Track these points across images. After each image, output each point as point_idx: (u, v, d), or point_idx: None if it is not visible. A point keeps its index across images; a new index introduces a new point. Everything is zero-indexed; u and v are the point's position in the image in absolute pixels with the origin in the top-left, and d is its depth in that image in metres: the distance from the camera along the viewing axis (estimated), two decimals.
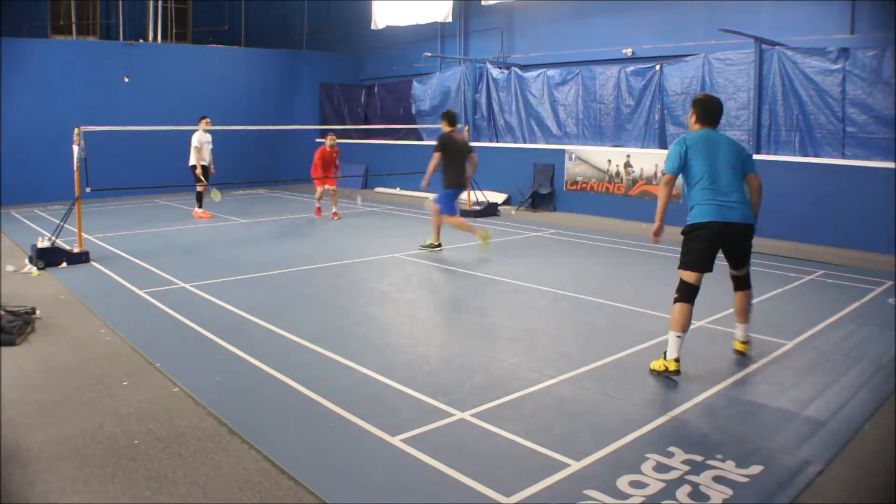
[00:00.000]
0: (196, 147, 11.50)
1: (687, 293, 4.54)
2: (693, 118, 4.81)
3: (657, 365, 4.55)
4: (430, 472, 3.24)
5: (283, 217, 12.30)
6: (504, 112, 14.80)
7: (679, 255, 4.67)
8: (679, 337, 4.48)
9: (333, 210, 11.89)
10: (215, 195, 11.63)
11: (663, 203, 4.74)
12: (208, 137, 11.71)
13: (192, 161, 11.58)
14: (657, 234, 4.89)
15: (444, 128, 8.75)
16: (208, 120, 11.71)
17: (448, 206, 8.72)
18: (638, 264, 8.33)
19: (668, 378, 4.46)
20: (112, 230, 10.40)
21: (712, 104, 4.76)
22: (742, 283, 4.89)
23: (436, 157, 8.59)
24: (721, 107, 4.80)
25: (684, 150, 4.60)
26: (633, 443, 3.54)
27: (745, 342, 4.96)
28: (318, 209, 12.35)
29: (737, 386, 4.35)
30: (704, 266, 4.54)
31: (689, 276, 4.55)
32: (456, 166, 8.65)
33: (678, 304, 4.54)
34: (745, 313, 4.91)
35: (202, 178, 11.59)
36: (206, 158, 11.69)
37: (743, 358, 4.89)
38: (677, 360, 4.45)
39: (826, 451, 3.49)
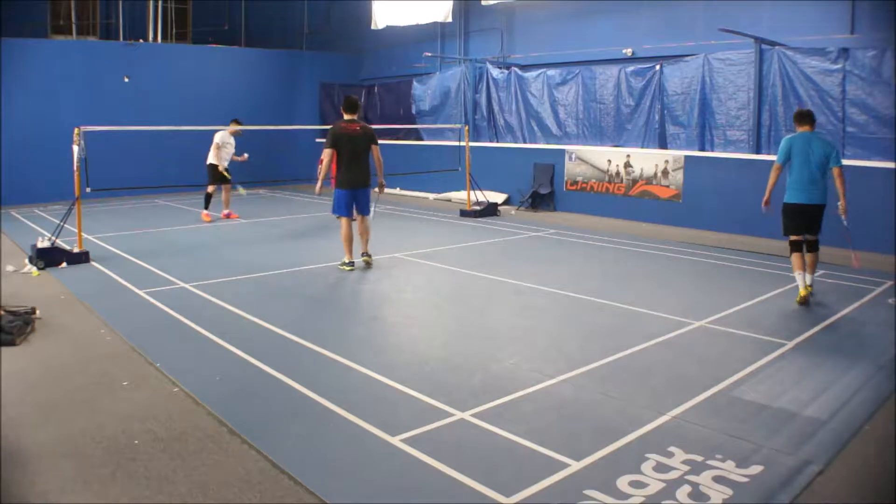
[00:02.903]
0: (217, 144, 11.18)
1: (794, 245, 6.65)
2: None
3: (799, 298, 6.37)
4: (430, 472, 3.24)
5: (284, 217, 12.30)
6: (504, 112, 14.80)
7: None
8: (800, 274, 6.51)
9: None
10: (242, 191, 11.62)
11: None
12: (232, 140, 11.43)
13: (212, 159, 11.23)
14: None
15: (344, 115, 7.68)
16: (239, 129, 11.38)
17: (339, 207, 7.64)
18: (638, 264, 8.33)
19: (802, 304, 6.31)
20: (112, 230, 10.40)
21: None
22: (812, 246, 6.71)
23: (326, 154, 7.46)
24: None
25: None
26: (633, 443, 3.54)
27: (811, 285, 6.55)
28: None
29: (737, 386, 4.35)
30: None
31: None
32: (350, 163, 7.53)
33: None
34: (812, 267, 6.69)
35: (227, 176, 11.29)
36: (226, 160, 11.38)
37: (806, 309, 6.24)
38: (805, 288, 6.41)
39: (826, 451, 3.49)
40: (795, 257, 6.58)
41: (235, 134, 11.50)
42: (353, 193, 7.65)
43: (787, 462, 3.37)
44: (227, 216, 11.74)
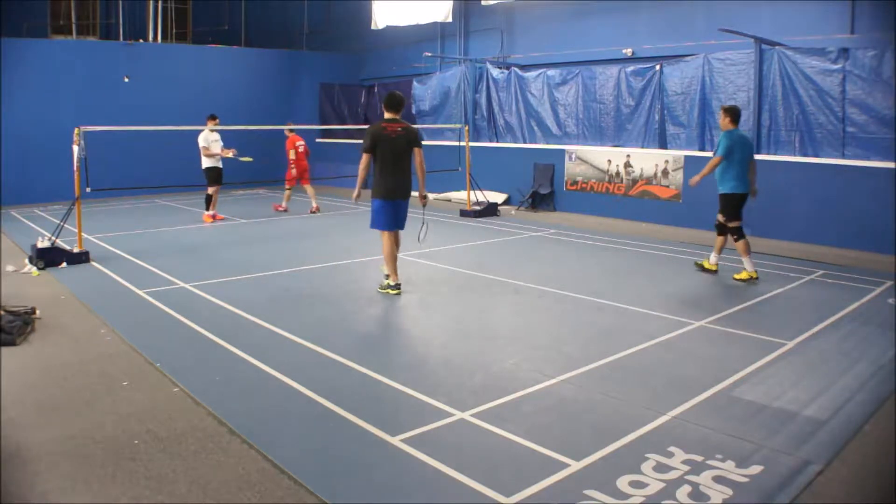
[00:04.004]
0: (204, 147, 11.21)
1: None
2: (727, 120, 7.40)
3: (742, 275, 7.30)
4: (430, 472, 3.24)
5: (284, 217, 12.29)
6: (504, 112, 14.80)
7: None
8: (720, 251, 7.68)
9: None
10: (246, 159, 11.71)
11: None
12: (216, 136, 11.44)
13: (205, 163, 11.27)
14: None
15: (385, 114, 6.74)
16: (217, 120, 11.43)
17: (379, 221, 6.63)
18: (638, 264, 8.32)
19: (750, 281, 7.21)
20: (112, 230, 10.40)
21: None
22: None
23: (363, 158, 6.53)
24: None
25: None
26: (633, 443, 3.54)
27: (755, 272, 7.31)
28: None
29: (737, 386, 4.35)
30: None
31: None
32: (390, 169, 6.53)
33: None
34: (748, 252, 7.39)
35: (218, 181, 11.37)
36: (217, 157, 11.40)
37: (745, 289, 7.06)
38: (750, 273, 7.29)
39: (826, 451, 3.49)
40: (723, 240, 7.59)
41: (215, 125, 11.44)
42: (394, 204, 6.59)
43: (787, 462, 3.37)
44: (213, 217, 11.69)
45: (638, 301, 6.43)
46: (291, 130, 12.57)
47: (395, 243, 6.77)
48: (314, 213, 12.59)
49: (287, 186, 12.78)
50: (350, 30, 18.78)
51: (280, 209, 12.85)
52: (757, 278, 7.27)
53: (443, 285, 7.17)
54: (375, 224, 6.66)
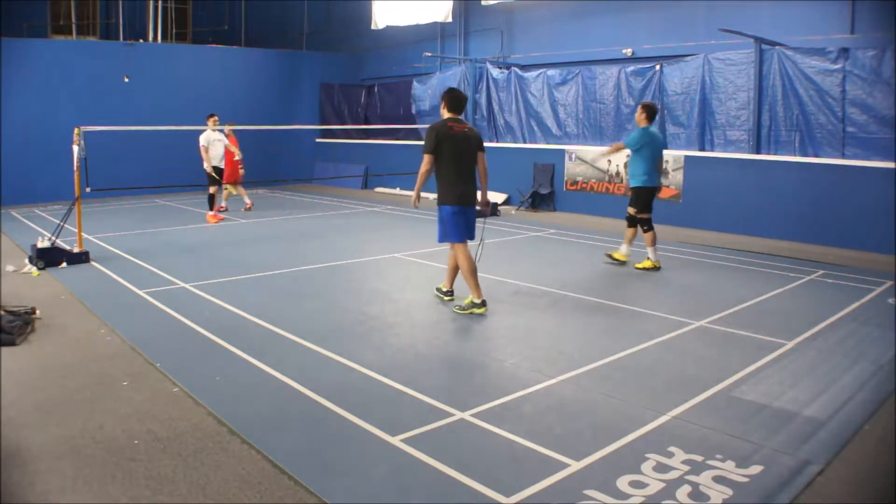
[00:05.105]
0: (204, 147, 11.22)
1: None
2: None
3: (645, 264, 7.89)
4: (430, 472, 3.24)
5: (284, 217, 12.30)
6: (504, 112, 14.80)
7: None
8: (628, 246, 8.09)
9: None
10: (232, 191, 11.72)
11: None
12: (217, 135, 11.45)
13: (205, 164, 11.27)
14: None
15: (444, 113, 6.05)
16: (216, 119, 11.46)
17: (453, 232, 6.00)
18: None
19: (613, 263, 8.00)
20: (112, 230, 10.40)
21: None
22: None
23: (426, 161, 5.91)
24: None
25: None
26: (633, 443, 3.54)
27: (658, 262, 7.83)
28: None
29: (737, 386, 4.35)
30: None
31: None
32: (460, 173, 5.94)
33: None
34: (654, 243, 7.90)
35: (215, 177, 11.35)
36: (218, 157, 11.45)
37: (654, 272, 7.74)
38: (653, 262, 7.84)
39: (826, 451, 3.49)
40: (633, 231, 7.96)
41: (215, 126, 11.47)
42: (465, 212, 5.96)
43: (787, 462, 3.37)
44: (218, 212, 11.70)
45: (638, 301, 6.43)
46: (232, 130, 12.34)
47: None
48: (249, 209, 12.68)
49: (226, 184, 12.41)
50: (350, 30, 18.79)
51: (223, 209, 12.60)
52: (659, 268, 7.78)
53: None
54: (449, 236, 5.97)
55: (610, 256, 8.17)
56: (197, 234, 10.40)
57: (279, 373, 4.49)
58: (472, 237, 6.11)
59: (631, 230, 7.99)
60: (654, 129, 7.88)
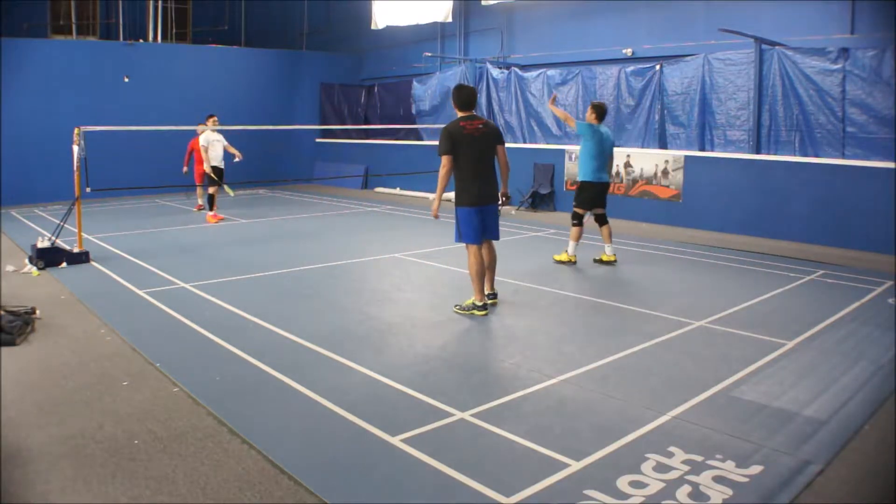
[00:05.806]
0: (203, 147, 11.22)
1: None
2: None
3: (562, 257, 8.09)
4: (430, 472, 3.24)
5: (283, 217, 12.30)
6: (504, 112, 14.80)
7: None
8: (575, 244, 8.08)
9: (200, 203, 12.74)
10: (229, 191, 11.65)
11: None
12: (217, 136, 11.43)
13: (204, 165, 11.30)
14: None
15: (457, 113, 5.93)
16: (216, 119, 11.41)
17: (467, 233, 5.93)
18: (637, 264, 8.32)
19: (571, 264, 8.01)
20: (112, 230, 10.40)
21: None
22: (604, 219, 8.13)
23: (444, 162, 5.77)
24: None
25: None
26: (633, 443, 3.54)
27: (613, 255, 8.07)
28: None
29: (737, 386, 4.35)
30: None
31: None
32: (476, 172, 5.84)
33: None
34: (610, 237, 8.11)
35: (214, 178, 11.33)
36: (218, 157, 11.41)
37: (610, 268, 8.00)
38: (608, 256, 8.06)
39: (826, 451, 3.49)
40: (579, 231, 8.02)
41: (215, 126, 11.42)
42: (482, 211, 5.89)
43: (787, 462, 3.37)
44: (213, 215, 11.67)
45: (638, 301, 6.43)
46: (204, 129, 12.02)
47: (491, 254, 6.14)
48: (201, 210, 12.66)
49: (199, 183, 12.34)
50: (350, 30, 18.79)
51: (201, 208, 12.69)
52: (575, 262, 8.05)
53: (442, 286, 7.17)
54: (464, 237, 5.91)
55: (599, 260, 8.16)
56: (197, 234, 10.40)
57: (279, 373, 4.49)
58: (495, 236, 6.10)
59: (601, 228, 8.08)
60: (605, 128, 7.97)
